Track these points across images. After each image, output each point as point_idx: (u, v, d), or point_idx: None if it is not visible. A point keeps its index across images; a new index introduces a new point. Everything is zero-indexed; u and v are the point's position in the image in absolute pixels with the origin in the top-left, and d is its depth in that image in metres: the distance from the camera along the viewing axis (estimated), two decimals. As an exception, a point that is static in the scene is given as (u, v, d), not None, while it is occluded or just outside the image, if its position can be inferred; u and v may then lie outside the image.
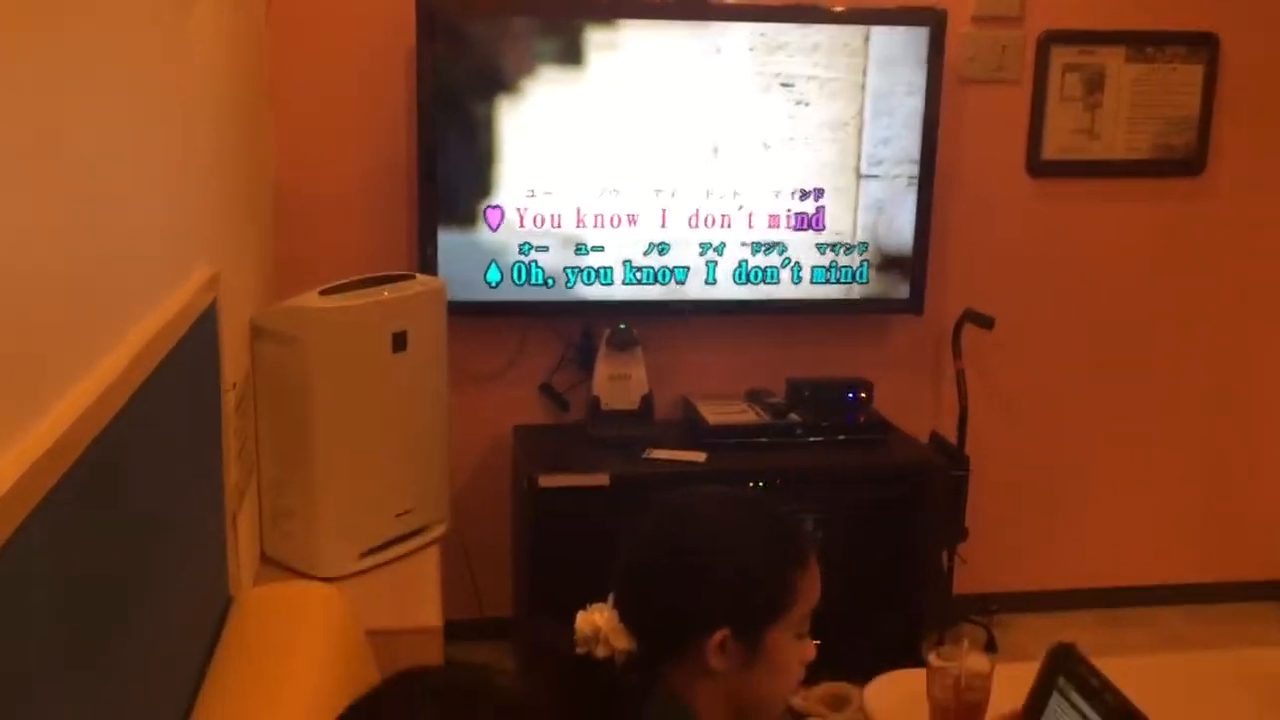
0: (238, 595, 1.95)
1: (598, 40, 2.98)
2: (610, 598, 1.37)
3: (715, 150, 3.08)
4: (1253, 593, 3.71)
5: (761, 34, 3.03)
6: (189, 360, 1.66)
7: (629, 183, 3.06)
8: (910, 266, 3.22)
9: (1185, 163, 3.42)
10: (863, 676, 1.94)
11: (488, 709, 0.87)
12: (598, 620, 1.34)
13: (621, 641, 1.34)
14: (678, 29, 3.01)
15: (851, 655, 2.38)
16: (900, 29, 3.09)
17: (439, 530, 2.64)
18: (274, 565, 2.49)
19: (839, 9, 3.07)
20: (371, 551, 2.49)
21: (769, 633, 1.36)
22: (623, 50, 2.99)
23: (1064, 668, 1.39)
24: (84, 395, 1.16)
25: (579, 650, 1.35)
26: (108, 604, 1.23)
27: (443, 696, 0.87)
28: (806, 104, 3.09)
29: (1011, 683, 1.62)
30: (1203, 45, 3.35)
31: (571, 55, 2.98)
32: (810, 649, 1.41)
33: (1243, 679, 1.92)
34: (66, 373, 1.16)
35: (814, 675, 2.75)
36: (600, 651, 1.34)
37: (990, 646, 3.40)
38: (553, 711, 0.92)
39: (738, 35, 3.03)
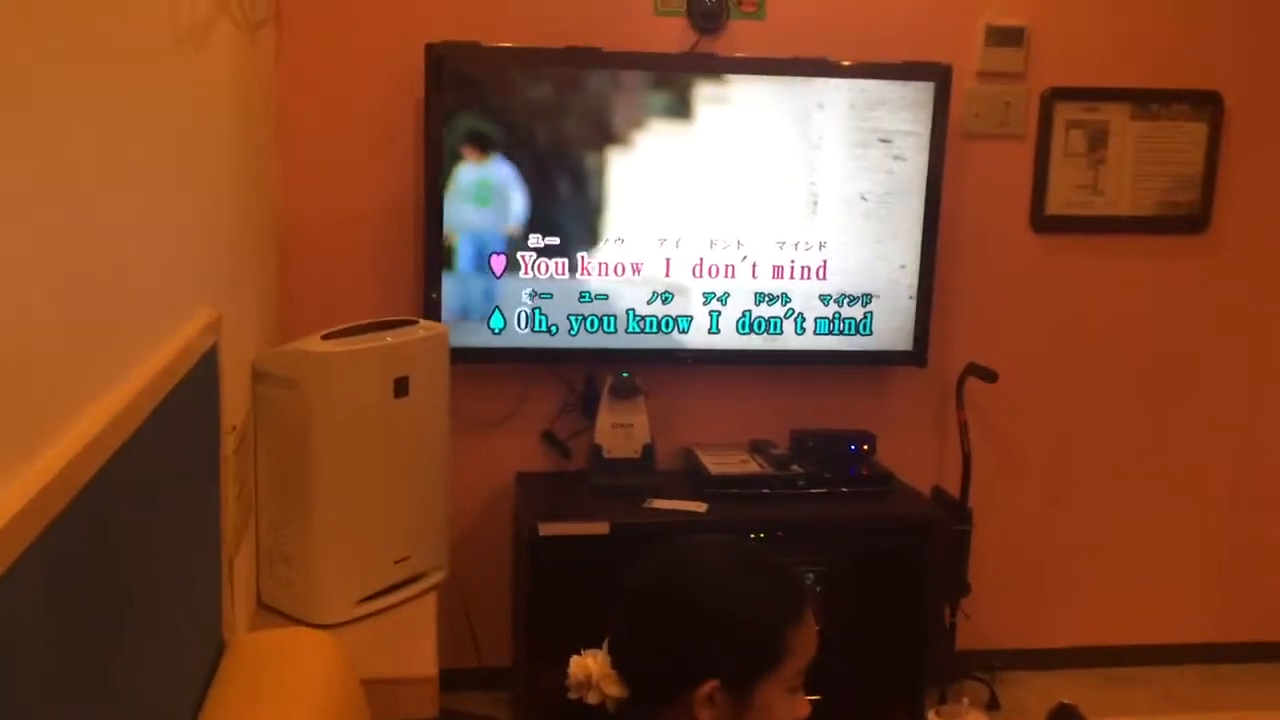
0: (231, 641, 1.93)
1: (599, 84, 3.00)
2: (605, 643, 1.36)
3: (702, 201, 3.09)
4: (1260, 654, 3.67)
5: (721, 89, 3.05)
6: (189, 402, 1.66)
7: (635, 232, 3.07)
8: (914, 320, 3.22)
9: (1190, 219, 3.43)
10: (863, 732, 1.91)
11: None
12: (590, 666, 1.33)
13: (613, 688, 1.32)
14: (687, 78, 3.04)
15: (852, 710, 2.37)
16: (905, 84, 3.11)
17: (437, 577, 2.62)
18: (270, 611, 2.46)
19: (845, 63, 3.09)
20: (369, 598, 2.46)
21: (759, 687, 1.34)
22: (625, 94, 3.01)
23: (1066, 728, 1.37)
24: (80, 435, 1.15)
25: (571, 696, 1.33)
26: (100, 647, 1.22)
27: None
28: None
29: (1014, 742, 1.60)
30: (1207, 103, 3.37)
31: (578, 101, 3.00)
32: (803, 705, 1.39)
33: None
34: (63, 412, 1.16)
35: (814, 730, 2.72)
36: (592, 698, 1.33)
37: (993, 704, 3.36)
38: None
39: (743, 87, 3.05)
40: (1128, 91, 3.33)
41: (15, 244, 1.03)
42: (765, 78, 3.06)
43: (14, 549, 0.94)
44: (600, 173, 3.02)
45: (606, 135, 3.02)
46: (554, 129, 3.00)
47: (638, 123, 3.03)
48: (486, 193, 3.02)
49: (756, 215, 3.12)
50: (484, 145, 2.98)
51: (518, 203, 3.02)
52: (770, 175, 3.11)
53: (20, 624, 0.98)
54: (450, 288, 3.01)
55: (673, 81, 3.03)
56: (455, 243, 3.00)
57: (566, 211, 3.03)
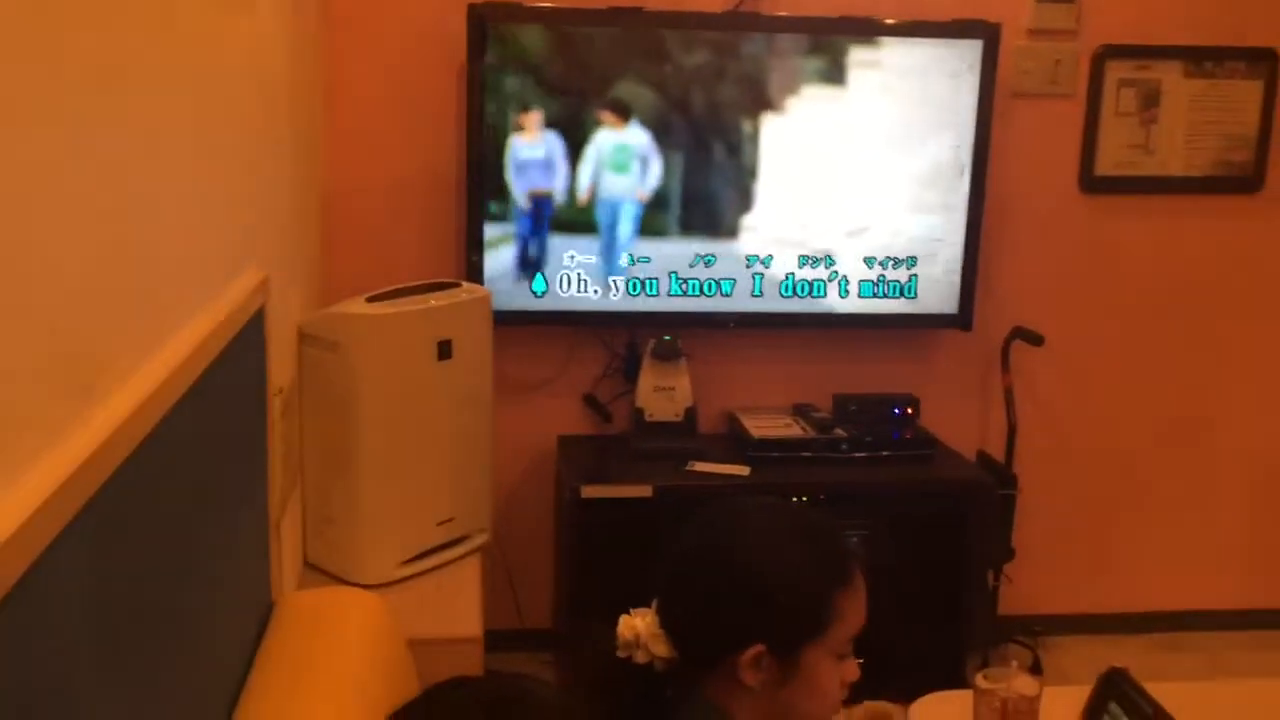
0: (279, 600, 1.96)
1: (662, 44, 2.98)
2: (654, 603, 1.36)
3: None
4: (1308, 620, 3.63)
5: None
6: (237, 364, 1.67)
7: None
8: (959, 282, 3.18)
9: (1243, 179, 3.36)
10: (905, 695, 1.91)
11: (528, 717, 0.86)
12: (639, 626, 1.34)
13: (661, 648, 1.33)
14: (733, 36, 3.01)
15: (894, 673, 2.36)
16: (954, 42, 3.06)
17: (480, 539, 2.64)
18: (316, 571, 2.49)
19: (891, 22, 3.05)
20: (412, 559, 2.49)
21: (806, 651, 1.34)
22: (671, 54, 2.99)
23: (1116, 692, 1.36)
24: (131, 397, 1.16)
25: (620, 654, 1.34)
26: (150, 606, 1.24)
27: (486, 705, 0.87)
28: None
29: (1058, 706, 1.59)
30: (1262, 60, 3.29)
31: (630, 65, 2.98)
32: (852, 669, 1.39)
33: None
34: (114, 373, 1.17)
35: (857, 693, 2.72)
36: (640, 657, 1.33)
37: (1035, 669, 3.34)
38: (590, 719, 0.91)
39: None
40: (1181, 49, 3.26)
41: (70, 208, 1.04)
42: (807, 35, 3.02)
43: (68, 510, 0.95)
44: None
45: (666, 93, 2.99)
46: (602, 89, 2.98)
47: (685, 82, 3.00)
48: (626, 158, 3.01)
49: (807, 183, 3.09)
50: (624, 111, 2.98)
51: (655, 169, 3.02)
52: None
53: (74, 585, 0.99)
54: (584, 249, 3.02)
55: (722, 43, 3.00)
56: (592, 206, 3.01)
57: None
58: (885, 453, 3.11)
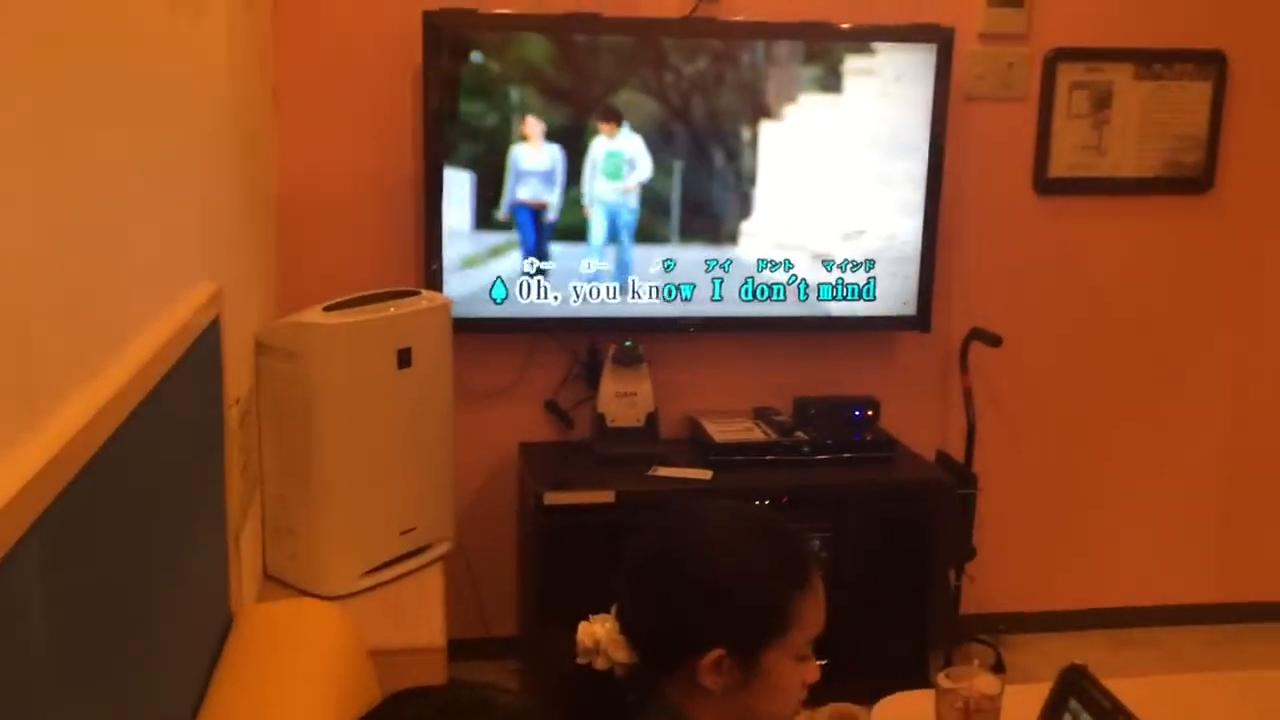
0: (239, 613, 1.94)
1: (591, 48, 2.98)
2: (613, 609, 1.36)
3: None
4: (1264, 614, 3.68)
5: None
6: (191, 376, 1.65)
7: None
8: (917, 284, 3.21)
9: (1194, 180, 3.41)
10: (869, 696, 1.92)
11: None
12: (598, 632, 1.33)
13: (621, 654, 1.32)
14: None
15: (858, 674, 2.37)
16: (907, 46, 3.08)
17: (443, 548, 2.63)
18: (276, 583, 2.47)
19: (846, 26, 3.07)
20: (375, 570, 2.47)
21: (766, 653, 1.34)
22: (621, 59, 2.99)
23: (1076, 689, 1.37)
24: (83, 410, 1.14)
25: (580, 661, 1.33)
26: (107, 621, 1.22)
27: (444, 715, 0.86)
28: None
29: (1020, 705, 1.60)
30: (1211, 63, 3.34)
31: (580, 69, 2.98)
32: (813, 671, 1.39)
33: (1250, 700, 1.90)
34: (65, 386, 1.15)
35: (820, 695, 2.73)
36: (600, 663, 1.33)
37: (998, 667, 3.37)
38: None
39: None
40: (1131, 52, 3.30)
41: (14, 220, 1.02)
42: (767, 41, 3.03)
43: (19, 525, 0.94)
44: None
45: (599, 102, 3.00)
46: (560, 95, 2.98)
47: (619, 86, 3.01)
48: (618, 164, 3.01)
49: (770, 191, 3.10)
50: (616, 118, 2.99)
51: (645, 169, 3.04)
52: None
53: (27, 601, 0.97)
54: (581, 256, 3.03)
55: (676, 48, 3.01)
56: (589, 214, 3.03)
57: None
58: (846, 455, 3.13)
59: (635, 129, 3.01)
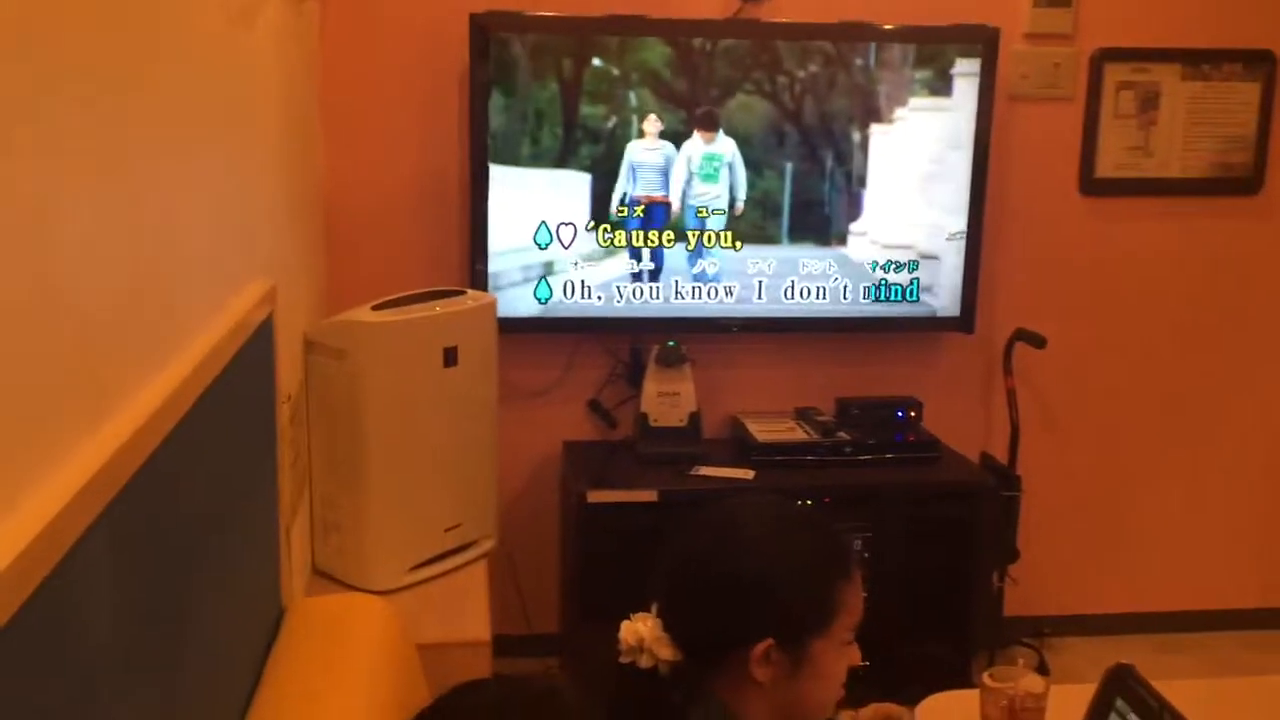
0: (290, 606, 1.97)
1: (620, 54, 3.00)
2: (654, 607, 1.37)
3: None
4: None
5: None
6: (246, 373, 1.69)
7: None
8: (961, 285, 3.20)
9: (1242, 181, 3.37)
10: (912, 698, 1.92)
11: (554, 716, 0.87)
12: (641, 630, 1.34)
13: (666, 652, 1.34)
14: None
15: (901, 677, 2.37)
16: (953, 47, 3.08)
17: (487, 545, 2.65)
18: (325, 578, 2.51)
19: (890, 27, 3.07)
20: (420, 565, 2.50)
21: (814, 643, 1.35)
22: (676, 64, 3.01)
23: (1122, 689, 1.37)
24: (144, 406, 1.17)
25: (623, 660, 1.35)
26: (167, 609, 1.25)
27: (510, 704, 0.87)
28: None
29: (1065, 704, 1.60)
30: (1260, 63, 3.31)
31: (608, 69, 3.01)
32: (855, 655, 1.41)
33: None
34: (127, 384, 1.18)
35: (864, 696, 2.73)
36: (644, 662, 1.34)
37: (1041, 669, 3.35)
38: None
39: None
40: (1178, 52, 3.28)
41: (80, 223, 1.06)
42: (811, 40, 3.04)
43: (85, 519, 0.97)
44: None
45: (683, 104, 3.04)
46: (676, 99, 3.04)
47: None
48: (715, 169, 3.05)
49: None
50: (713, 123, 3.03)
51: (741, 177, 3.08)
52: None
53: (96, 587, 1.01)
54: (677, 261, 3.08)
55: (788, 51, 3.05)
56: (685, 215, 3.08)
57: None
58: (889, 455, 3.12)
59: (745, 133, 3.05)
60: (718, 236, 3.08)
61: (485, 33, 2.91)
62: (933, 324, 3.26)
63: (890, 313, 3.19)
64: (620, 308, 3.09)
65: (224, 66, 1.73)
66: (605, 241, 3.05)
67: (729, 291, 3.12)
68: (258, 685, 1.66)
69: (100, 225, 1.11)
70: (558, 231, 3.04)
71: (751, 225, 3.10)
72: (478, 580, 2.54)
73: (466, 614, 2.39)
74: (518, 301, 3.04)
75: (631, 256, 3.07)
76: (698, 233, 3.08)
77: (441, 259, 3.12)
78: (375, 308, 2.45)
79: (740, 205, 3.09)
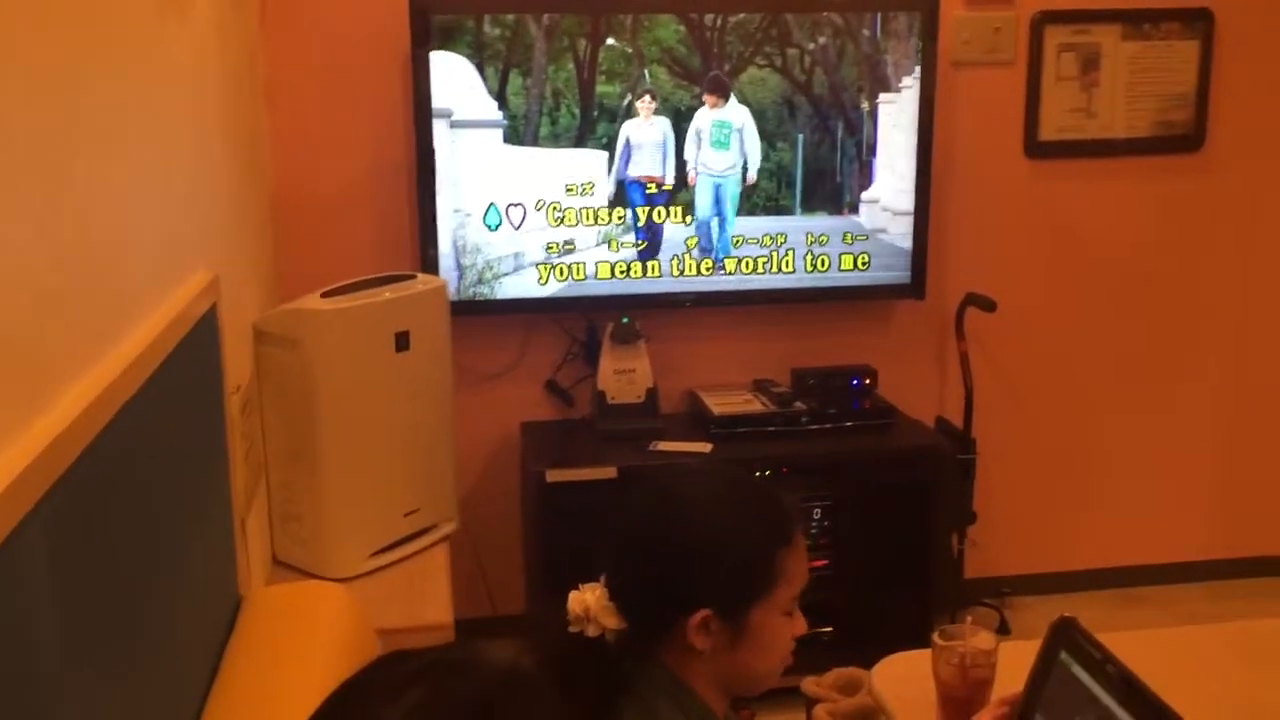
0: (247, 596, 1.97)
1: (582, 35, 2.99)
2: (602, 577, 1.39)
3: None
4: (1268, 568, 3.70)
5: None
6: (190, 364, 1.68)
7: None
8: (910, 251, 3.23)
9: (1185, 138, 3.42)
10: (874, 662, 1.94)
11: (475, 680, 0.87)
12: (588, 599, 1.36)
13: (611, 620, 1.35)
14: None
15: (862, 641, 2.40)
16: (892, 13, 3.09)
17: (448, 528, 2.66)
18: (285, 568, 2.50)
19: (831, -4, 3.08)
20: (381, 551, 2.50)
21: (753, 611, 1.36)
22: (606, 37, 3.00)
23: (1065, 641, 1.39)
24: (82, 396, 1.17)
25: (571, 629, 1.36)
26: (113, 604, 1.25)
27: (431, 670, 0.87)
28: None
29: (1018, 660, 1.62)
30: (1199, 21, 3.34)
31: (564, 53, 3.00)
32: (800, 624, 1.42)
33: (1236, 649, 1.93)
34: (65, 374, 1.18)
35: (825, 661, 2.76)
36: (591, 630, 1.35)
37: (1003, 629, 3.40)
38: (544, 684, 0.92)
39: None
40: (1118, 12, 3.31)
41: (12, 213, 1.05)
42: (755, 13, 3.04)
43: (19, 509, 0.96)
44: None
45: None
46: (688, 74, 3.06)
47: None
48: (726, 135, 3.06)
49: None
50: (724, 90, 3.04)
51: (755, 146, 3.11)
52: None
53: (32, 583, 1.00)
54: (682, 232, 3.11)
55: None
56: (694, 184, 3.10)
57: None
58: (846, 424, 3.15)
59: (758, 106, 3.08)
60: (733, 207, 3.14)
61: (426, 15, 2.89)
62: (884, 292, 3.28)
63: (842, 282, 3.21)
64: (572, 286, 3.09)
65: (158, 60, 1.72)
66: (612, 218, 3.07)
67: (745, 265, 3.15)
68: (214, 676, 1.66)
69: (32, 214, 1.10)
70: (507, 213, 3.03)
71: (766, 196, 3.13)
72: (439, 564, 2.55)
73: (428, 598, 2.39)
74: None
75: (640, 237, 3.09)
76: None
77: (393, 244, 3.11)
78: (325, 295, 2.43)
79: (754, 175, 3.11)
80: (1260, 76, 3.43)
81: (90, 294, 1.29)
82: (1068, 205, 3.43)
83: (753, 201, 3.13)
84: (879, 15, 3.09)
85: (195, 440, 1.74)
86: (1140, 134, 3.39)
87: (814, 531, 2.94)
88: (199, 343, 1.73)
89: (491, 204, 3.02)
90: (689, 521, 1.39)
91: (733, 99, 3.07)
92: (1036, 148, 3.36)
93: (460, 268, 3.03)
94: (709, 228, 3.13)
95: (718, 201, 3.12)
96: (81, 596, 1.13)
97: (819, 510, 2.98)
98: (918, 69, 3.12)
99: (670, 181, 3.09)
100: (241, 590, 1.97)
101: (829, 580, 2.89)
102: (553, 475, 2.88)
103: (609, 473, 2.90)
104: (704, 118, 3.07)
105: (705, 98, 3.06)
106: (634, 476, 2.89)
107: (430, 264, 2.98)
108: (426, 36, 2.90)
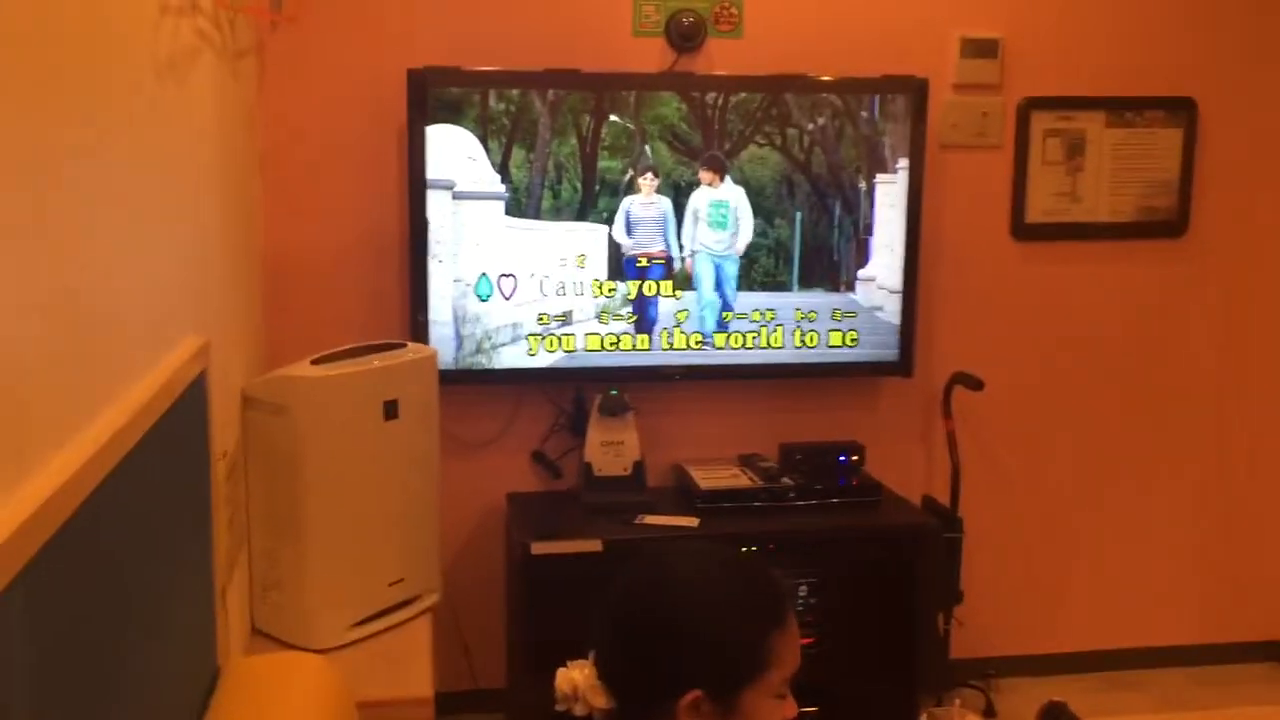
0: (226, 666, 1.94)
1: (585, 112, 3.03)
2: (590, 654, 1.37)
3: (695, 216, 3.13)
4: (1251, 654, 3.69)
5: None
6: (178, 429, 1.67)
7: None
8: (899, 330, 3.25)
9: (1168, 224, 3.47)
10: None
11: None
12: (576, 678, 1.34)
13: (599, 700, 1.33)
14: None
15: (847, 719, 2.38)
16: (889, 96, 3.15)
17: (431, 600, 2.63)
18: (264, 637, 2.47)
19: (826, 78, 3.13)
20: (363, 622, 2.47)
21: (745, 694, 1.35)
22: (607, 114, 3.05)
23: (1055, 726, 1.38)
24: (69, 462, 1.16)
25: (558, 708, 1.34)
26: (91, 674, 1.23)
27: None
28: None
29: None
30: (1181, 109, 3.41)
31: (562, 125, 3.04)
32: (791, 707, 1.40)
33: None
34: (53, 439, 1.17)
35: (809, 741, 2.71)
36: (579, 710, 1.34)
37: (989, 712, 3.37)
38: None
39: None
40: (1102, 100, 3.37)
41: (6, 274, 1.05)
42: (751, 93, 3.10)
43: (3, 575, 0.95)
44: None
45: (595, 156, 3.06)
46: (690, 151, 3.11)
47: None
48: (723, 215, 3.10)
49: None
50: (720, 168, 3.09)
51: (747, 224, 3.15)
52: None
53: (9, 651, 0.99)
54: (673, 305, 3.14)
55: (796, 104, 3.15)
56: (691, 265, 3.14)
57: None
58: (833, 500, 3.14)
59: (758, 183, 3.12)
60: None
61: (423, 88, 2.93)
62: (873, 369, 3.30)
63: (831, 358, 3.23)
64: (562, 358, 3.10)
65: (155, 124, 1.73)
66: (604, 291, 3.09)
67: (741, 339, 3.17)
68: (191, 748, 1.63)
69: (23, 276, 1.10)
70: (499, 283, 3.05)
71: (764, 272, 3.16)
72: (421, 636, 2.52)
73: (410, 671, 2.36)
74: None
75: (635, 311, 3.12)
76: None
77: (384, 312, 3.12)
78: (315, 362, 2.43)
79: (741, 248, 3.14)
80: (1241, 165, 3.49)
81: (79, 359, 1.29)
82: (1054, 287, 3.47)
83: (751, 277, 3.15)
84: (877, 98, 3.15)
85: (180, 507, 1.72)
86: (1124, 219, 3.44)
87: (800, 609, 2.92)
88: (188, 409, 1.72)
89: (483, 274, 3.04)
90: (681, 601, 1.37)
91: (728, 178, 3.11)
92: (1023, 230, 3.40)
93: (459, 337, 3.04)
94: (712, 306, 3.15)
95: (719, 281, 3.14)
96: (58, 665, 1.12)
97: (805, 587, 2.96)
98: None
99: (671, 257, 3.11)
100: (220, 660, 1.94)
101: (814, 658, 2.86)
102: (538, 548, 2.86)
103: (594, 546, 2.88)
104: (701, 197, 3.11)
105: (701, 174, 3.10)
106: (620, 550, 2.87)
107: (421, 332, 2.99)
108: (423, 108, 2.94)
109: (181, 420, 1.69)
